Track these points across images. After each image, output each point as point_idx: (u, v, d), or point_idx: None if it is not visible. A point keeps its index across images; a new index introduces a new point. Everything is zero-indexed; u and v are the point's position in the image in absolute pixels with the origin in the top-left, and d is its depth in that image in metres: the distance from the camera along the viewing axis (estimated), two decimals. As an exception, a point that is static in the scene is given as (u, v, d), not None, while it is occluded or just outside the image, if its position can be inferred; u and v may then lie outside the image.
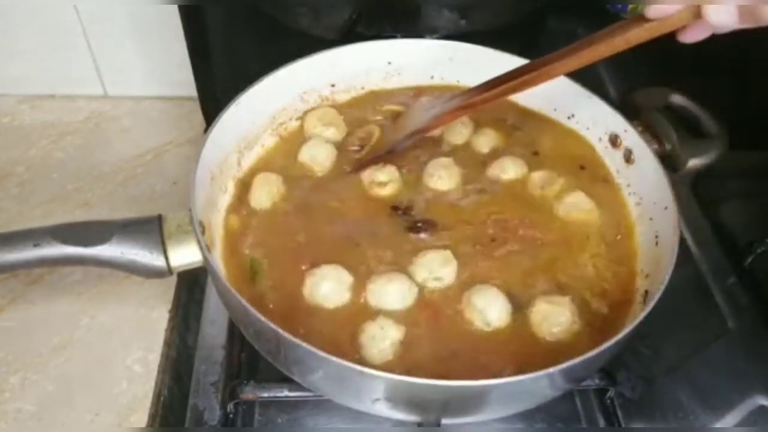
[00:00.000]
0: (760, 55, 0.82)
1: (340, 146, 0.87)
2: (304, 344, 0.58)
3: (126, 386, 0.78)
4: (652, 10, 0.64)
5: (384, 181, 0.81)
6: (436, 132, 0.87)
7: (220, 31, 0.90)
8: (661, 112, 0.83)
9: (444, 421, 0.66)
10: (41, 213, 0.97)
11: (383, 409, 0.64)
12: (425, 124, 0.83)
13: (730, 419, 0.77)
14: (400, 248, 0.75)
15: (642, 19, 0.65)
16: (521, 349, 0.68)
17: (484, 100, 0.78)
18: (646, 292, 0.72)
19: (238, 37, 0.95)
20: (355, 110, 0.92)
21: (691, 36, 0.65)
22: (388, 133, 0.87)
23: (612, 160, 0.85)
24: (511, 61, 0.89)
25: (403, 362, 0.66)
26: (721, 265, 0.90)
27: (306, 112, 0.89)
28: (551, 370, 0.58)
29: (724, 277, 0.89)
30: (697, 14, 0.61)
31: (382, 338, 0.66)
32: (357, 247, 0.75)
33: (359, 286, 0.71)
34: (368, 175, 0.82)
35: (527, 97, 0.91)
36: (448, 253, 0.73)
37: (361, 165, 0.84)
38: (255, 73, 0.82)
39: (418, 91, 0.94)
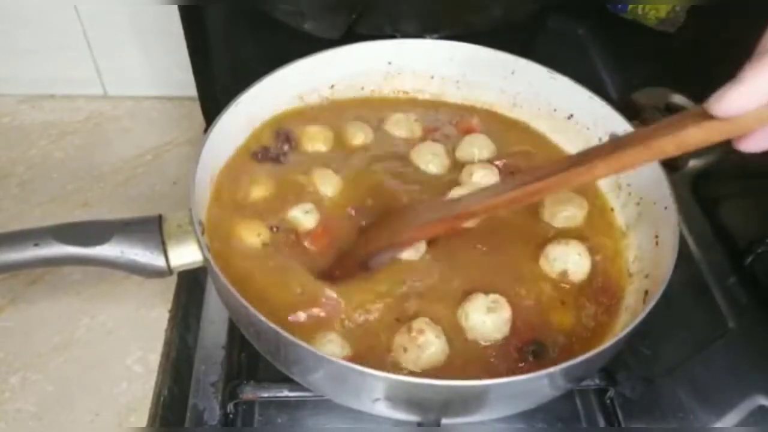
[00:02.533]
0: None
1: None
2: (304, 344, 0.58)
3: (126, 386, 0.78)
4: (719, 106, 0.46)
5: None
6: None
7: (220, 31, 0.90)
8: (661, 112, 0.83)
9: (444, 421, 0.66)
10: (41, 213, 0.96)
11: (383, 409, 0.64)
12: (408, 236, 0.71)
13: (730, 419, 0.77)
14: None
15: (702, 116, 0.48)
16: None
17: (483, 210, 0.66)
18: (646, 292, 0.72)
19: (238, 37, 0.95)
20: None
21: (760, 143, 0.49)
22: (359, 246, 0.73)
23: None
24: (511, 61, 0.89)
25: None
26: (721, 265, 0.90)
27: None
28: (551, 369, 0.58)
29: (724, 277, 0.89)
30: None
31: None
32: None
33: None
34: None
35: (527, 99, 0.91)
36: None
37: (328, 276, 0.71)
38: (255, 73, 0.82)
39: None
